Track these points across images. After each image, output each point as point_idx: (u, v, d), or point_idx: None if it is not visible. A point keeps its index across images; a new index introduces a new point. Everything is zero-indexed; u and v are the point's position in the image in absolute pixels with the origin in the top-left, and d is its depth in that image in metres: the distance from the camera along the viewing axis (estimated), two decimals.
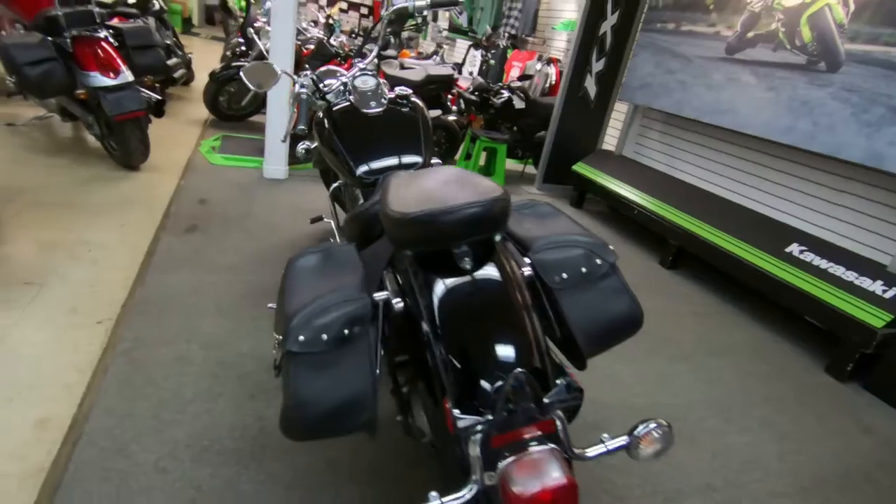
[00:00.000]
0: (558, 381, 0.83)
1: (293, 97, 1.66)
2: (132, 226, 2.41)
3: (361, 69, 1.88)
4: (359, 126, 1.70)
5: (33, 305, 1.75)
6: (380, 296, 0.94)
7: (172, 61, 4.20)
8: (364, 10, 12.72)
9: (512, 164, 4.93)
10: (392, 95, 1.84)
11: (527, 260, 1.02)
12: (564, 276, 0.99)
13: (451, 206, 0.88)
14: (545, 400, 0.79)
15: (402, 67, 4.44)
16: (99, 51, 2.59)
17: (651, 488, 1.49)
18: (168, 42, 4.47)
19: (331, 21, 4.04)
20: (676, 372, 2.10)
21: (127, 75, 2.66)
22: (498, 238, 0.99)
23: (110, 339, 1.67)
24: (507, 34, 6.11)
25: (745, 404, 1.97)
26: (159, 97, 3.01)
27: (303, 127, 1.57)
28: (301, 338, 0.86)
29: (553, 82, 5.21)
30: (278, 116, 3.21)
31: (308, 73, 1.74)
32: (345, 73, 1.92)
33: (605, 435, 0.85)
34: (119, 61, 2.65)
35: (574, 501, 0.74)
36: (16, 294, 1.79)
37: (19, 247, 2.08)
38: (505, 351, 0.82)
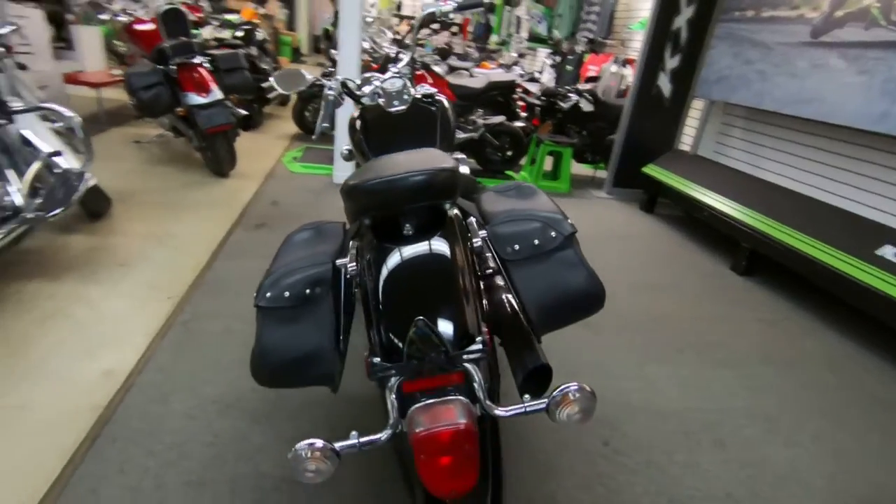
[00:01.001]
0: (477, 339, 0.85)
1: (322, 99, 1.84)
2: (212, 222, 2.78)
3: (393, 72, 2.03)
4: (382, 124, 1.83)
5: (122, 282, 2.11)
6: (341, 262, 1.04)
7: (267, 83, 4.75)
8: (454, 29, 13.20)
9: (583, 170, 4.81)
10: (417, 94, 1.95)
11: (482, 232, 1.05)
12: (517, 247, 1.00)
13: (395, 174, 0.95)
14: (454, 352, 0.82)
15: (471, 77, 4.58)
16: (195, 74, 3.05)
17: (657, 488, 1.40)
18: (265, 66, 5.06)
19: (403, 39, 4.30)
20: (719, 377, 1.93)
21: (217, 94, 3.09)
22: (451, 209, 1.04)
23: (174, 311, 1.96)
24: (584, 39, 6.00)
25: (798, 417, 1.75)
26: (246, 113, 3.44)
27: (326, 125, 1.74)
28: (268, 294, 0.99)
29: (629, 84, 5.01)
30: (344, 127, 3.49)
31: (338, 77, 1.91)
32: (379, 77, 2.08)
33: (527, 396, 0.85)
34: (210, 82, 3.09)
35: (472, 447, 0.77)
36: (111, 273, 2.16)
37: (122, 237, 2.50)
38: (422, 307, 0.87)
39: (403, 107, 1.85)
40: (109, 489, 1.22)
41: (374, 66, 4.06)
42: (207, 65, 3.14)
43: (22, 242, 1.90)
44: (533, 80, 4.65)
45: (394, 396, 0.83)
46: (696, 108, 4.08)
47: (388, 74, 2.00)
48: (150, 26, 3.47)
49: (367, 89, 2.02)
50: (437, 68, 4.01)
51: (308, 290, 0.99)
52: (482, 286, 1.05)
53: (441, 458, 0.75)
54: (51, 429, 1.36)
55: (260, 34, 5.58)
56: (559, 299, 1.00)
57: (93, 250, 2.32)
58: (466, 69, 5.11)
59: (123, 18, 3.61)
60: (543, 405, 0.82)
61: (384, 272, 0.92)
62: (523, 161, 4.53)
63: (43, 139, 2.09)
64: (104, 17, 3.61)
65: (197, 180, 3.40)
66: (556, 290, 1.00)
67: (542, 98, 4.47)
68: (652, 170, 3.88)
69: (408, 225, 0.98)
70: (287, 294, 0.98)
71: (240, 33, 5.57)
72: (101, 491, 1.21)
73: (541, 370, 1.12)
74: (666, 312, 2.40)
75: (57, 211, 1.91)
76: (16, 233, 1.78)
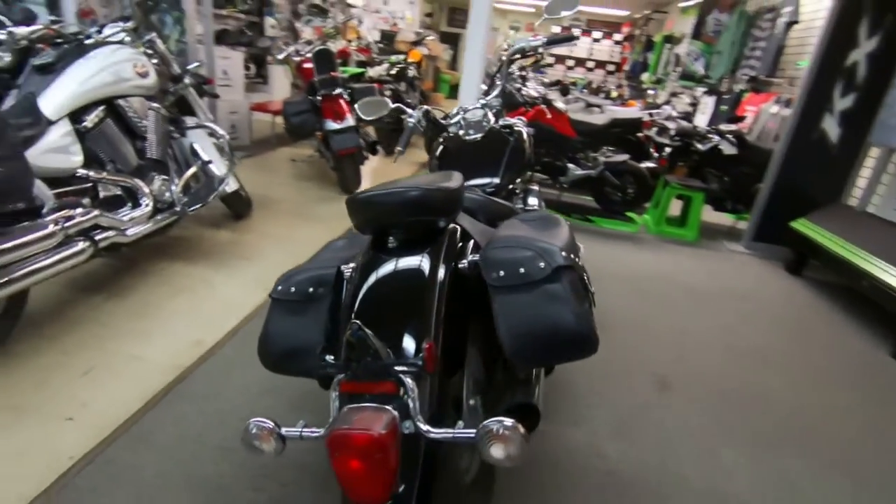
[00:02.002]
0: (418, 355, 0.85)
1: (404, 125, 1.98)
2: (328, 231, 3.14)
3: (482, 104, 2.12)
4: (456, 151, 1.91)
5: (240, 273, 2.50)
6: (345, 266, 1.13)
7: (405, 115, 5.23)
8: (610, 68, 12.94)
9: (722, 219, 4.30)
10: (496, 125, 2.00)
11: (472, 256, 1.05)
12: (501, 273, 0.98)
13: (392, 189, 1.01)
14: (385, 361, 0.83)
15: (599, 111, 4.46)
16: (334, 104, 3.52)
17: None
18: (410, 100, 5.58)
19: (526, 74, 4.39)
20: (829, 488, 1.55)
21: (349, 121, 3.52)
22: (446, 228, 1.06)
23: (264, 302, 2.25)
24: (745, 76, 5.42)
25: None
26: (374, 140, 3.85)
27: (401, 149, 1.88)
28: (279, 287, 1.12)
29: None
30: None
31: (424, 107, 2.05)
32: (467, 107, 2.18)
33: (461, 423, 0.82)
34: (346, 111, 3.53)
35: (386, 459, 0.76)
36: (234, 263, 2.58)
37: (252, 235, 2.97)
38: (376, 314, 0.90)
39: (478, 135, 1.91)
40: (162, 434, 1.46)
41: None
42: (346, 96, 3.60)
43: (171, 230, 2.39)
44: (671, 118, 4.33)
45: (335, 394, 0.88)
46: (870, 157, 3.39)
47: (472, 105, 2.09)
48: (310, 64, 4.12)
49: (454, 119, 2.14)
50: (559, 104, 4.00)
51: (312, 289, 1.09)
52: (461, 307, 1.04)
53: (351, 462, 0.77)
54: (144, 378, 1.68)
55: (411, 72, 6.18)
56: (537, 334, 0.95)
57: (227, 244, 2.80)
58: (598, 106, 4.98)
59: (297, 58, 4.33)
60: (473, 435, 0.79)
61: (363, 279, 0.98)
62: (647, 204, 4.22)
63: (204, 150, 2.62)
64: (280, 56, 4.37)
65: (328, 195, 3.87)
66: (535, 323, 0.95)
67: (676, 138, 4.14)
68: (803, 225, 3.31)
69: (391, 238, 1.03)
70: (293, 290, 1.10)
71: (393, 71, 6.26)
72: (156, 434, 1.45)
73: (526, 408, 1.06)
74: (772, 390, 2.02)
75: (196, 206, 2.36)
76: (167, 221, 2.25)
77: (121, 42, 2.19)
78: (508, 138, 1.92)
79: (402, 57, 7.35)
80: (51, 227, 1.64)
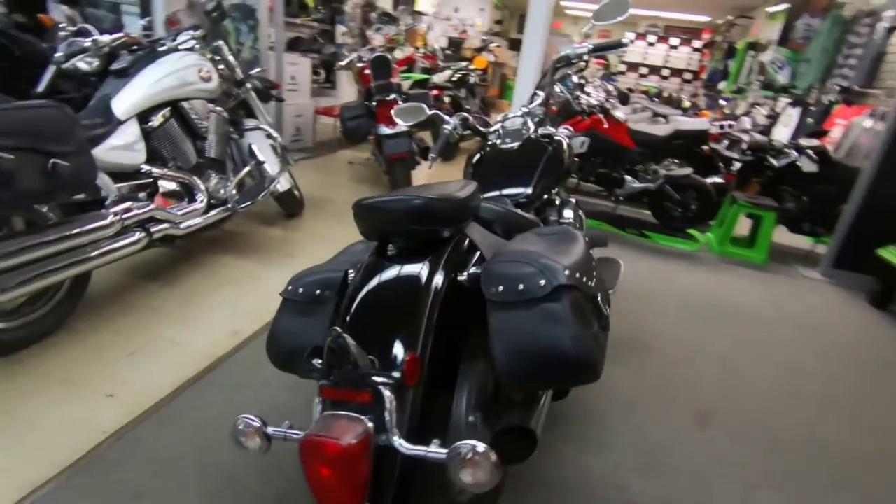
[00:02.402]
0: (397, 366, 0.83)
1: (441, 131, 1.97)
2: None
3: (521, 111, 2.07)
4: (492, 161, 1.88)
5: (284, 269, 2.60)
6: (352, 271, 1.13)
7: None
8: (688, 76, 12.26)
9: (799, 242, 3.92)
10: (535, 133, 1.94)
11: (474, 268, 1.01)
12: (500, 288, 0.94)
13: (396, 196, 1.00)
14: (363, 371, 0.82)
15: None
16: (388, 110, 3.59)
17: None
18: (469, 107, 5.59)
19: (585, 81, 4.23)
20: None
21: (402, 127, 3.55)
22: (451, 238, 1.03)
23: None
24: (837, 87, 4.93)
25: None
26: (427, 145, 3.87)
27: (433, 155, 1.88)
28: (289, 287, 1.15)
29: None
30: None
31: (462, 115, 2.03)
32: (509, 115, 2.14)
33: (436, 440, 0.79)
34: None
35: (354, 470, 0.75)
36: (281, 260, 2.69)
37: (300, 233, 3.08)
38: (363, 322, 0.89)
39: (514, 144, 1.87)
40: (187, 419, 1.53)
41: (553, 108, 4.11)
42: (401, 102, 3.66)
43: (224, 225, 2.54)
44: (745, 130, 4.02)
45: (318, 399, 0.88)
46: None
47: (513, 112, 2.05)
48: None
49: (494, 127, 2.10)
50: (618, 113, 3.84)
51: (319, 291, 1.11)
52: (461, 320, 1.01)
53: (321, 469, 0.76)
54: (181, 364, 1.78)
55: (472, 78, 6.20)
56: (531, 355, 0.90)
57: (276, 241, 2.93)
58: (665, 116, 4.74)
59: (359, 64, 4.48)
60: (443, 456, 0.76)
61: (361, 284, 0.98)
62: (712, 222, 3.94)
63: (261, 150, 2.76)
64: (343, 62, 4.53)
65: None
66: (530, 343, 0.90)
67: (748, 153, 3.84)
68: (892, 253, 2.94)
69: (391, 245, 1.02)
70: (301, 290, 1.12)
71: (455, 77, 6.31)
72: (182, 418, 1.54)
73: (522, 432, 1.02)
74: (834, 439, 1.80)
75: (246, 204, 2.49)
76: (219, 217, 2.38)
77: (190, 49, 2.36)
78: (546, 147, 1.86)
79: (465, 64, 7.40)
80: (110, 218, 1.79)
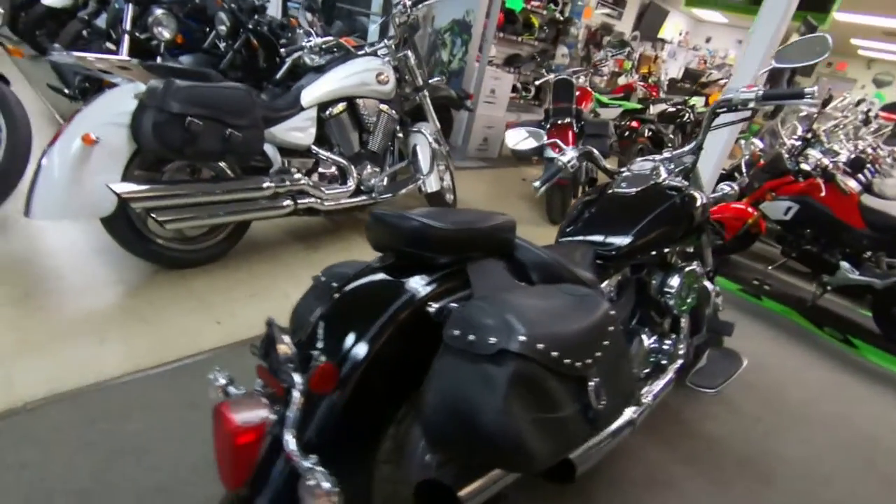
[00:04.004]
0: (308, 370, 0.83)
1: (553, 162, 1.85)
2: None
3: (663, 157, 1.83)
4: (600, 203, 1.71)
5: None
6: None
7: None
8: None
9: None
10: (664, 181, 1.69)
11: (452, 304, 0.95)
12: (456, 332, 0.87)
13: (399, 215, 1.01)
14: (279, 364, 0.85)
15: None
16: (560, 133, 3.50)
17: None
18: (670, 146, 5.06)
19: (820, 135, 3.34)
20: None
21: (569, 153, 3.44)
22: (451, 266, 0.99)
23: None
24: None
25: None
26: (594, 176, 3.66)
27: (536, 184, 1.78)
28: (321, 272, 1.26)
29: None
30: None
31: (587, 148, 1.86)
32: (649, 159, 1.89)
33: (314, 456, 0.78)
34: (569, 142, 3.47)
35: (237, 448, 0.80)
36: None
37: None
38: (328, 322, 0.92)
39: (632, 189, 1.67)
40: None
41: (760, 162, 3.43)
42: (576, 128, 3.53)
43: (367, 209, 2.84)
44: None
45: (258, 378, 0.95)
46: None
47: (655, 158, 1.82)
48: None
49: (630, 167, 1.91)
50: (850, 182, 3.01)
51: (333, 283, 1.19)
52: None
53: (217, 437, 0.83)
54: (281, 312, 2.08)
55: (687, 115, 5.59)
56: (454, 414, 0.81)
57: None
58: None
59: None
60: (303, 476, 0.76)
61: (346, 284, 1.02)
62: None
63: (422, 151, 3.00)
64: (538, 82, 4.57)
65: (532, 218, 3.90)
66: (456, 402, 0.81)
67: None
68: None
69: (386, 258, 1.02)
70: (323, 279, 1.22)
71: (671, 110, 5.79)
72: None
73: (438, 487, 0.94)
74: None
75: (386, 196, 2.74)
76: (362, 203, 2.68)
77: (375, 54, 2.71)
78: (670, 198, 1.60)
79: (694, 99, 6.71)
80: (266, 184, 2.20)
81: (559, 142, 1.87)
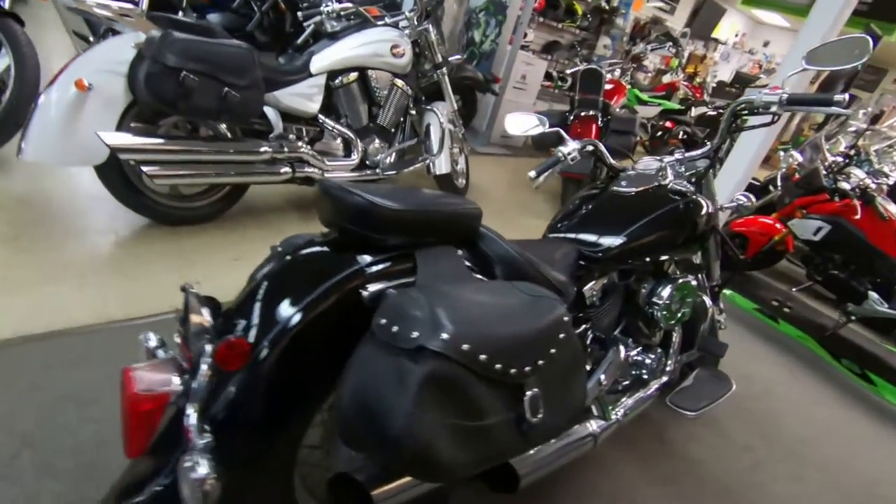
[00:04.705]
0: (214, 345, 0.78)
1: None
2: (509, 233, 3.10)
3: (673, 158, 1.70)
4: (597, 200, 1.60)
5: None
6: None
7: None
8: None
9: None
10: (668, 184, 1.56)
11: (391, 290, 0.87)
12: (383, 321, 0.80)
13: (345, 188, 0.92)
14: (189, 333, 0.80)
15: None
16: (582, 126, 3.34)
17: None
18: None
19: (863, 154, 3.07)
20: None
21: (589, 147, 3.29)
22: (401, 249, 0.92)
23: None
24: None
25: None
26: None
27: (532, 174, 1.67)
28: (278, 242, 1.20)
29: None
30: None
31: (590, 142, 1.74)
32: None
33: (209, 437, 0.73)
34: (591, 136, 3.31)
35: (137, 414, 0.76)
36: None
37: None
38: (254, 292, 0.86)
39: (631, 189, 1.55)
40: None
41: (795, 176, 3.20)
42: (601, 122, 3.37)
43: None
44: None
45: None
46: None
47: (663, 158, 1.69)
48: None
49: (635, 166, 1.79)
50: (890, 206, 2.77)
51: (281, 249, 1.12)
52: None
53: (122, 399, 0.79)
54: None
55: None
56: (363, 408, 0.75)
57: None
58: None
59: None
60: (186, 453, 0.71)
61: (284, 254, 0.95)
62: None
63: (434, 131, 2.91)
64: (569, 71, 4.37)
65: (542, 210, 3.77)
66: (368, 395, 0.75)
67: None
68: None
69: (330, 231, 0.95)
70: (280, 249, 1.14)
71: (711, 113, 5.52)
72: None
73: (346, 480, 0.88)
74: None
75: (390, 173, 2.67)
76: (364, 177, 2.61)
77: (396, 26, 2.61)
78: (671, 201, 1.48)
79: (726, 103, 6.38)
80: (263, 148, 2.15)
81: (562, 132, 1.75)
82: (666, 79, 8.13)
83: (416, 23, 2.71)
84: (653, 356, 1.53)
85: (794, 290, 3.50)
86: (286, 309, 0.83)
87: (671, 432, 1.88)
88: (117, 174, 1.95)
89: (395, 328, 0.77)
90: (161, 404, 0.78)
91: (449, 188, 3.30)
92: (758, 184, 3.89)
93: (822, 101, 1.32)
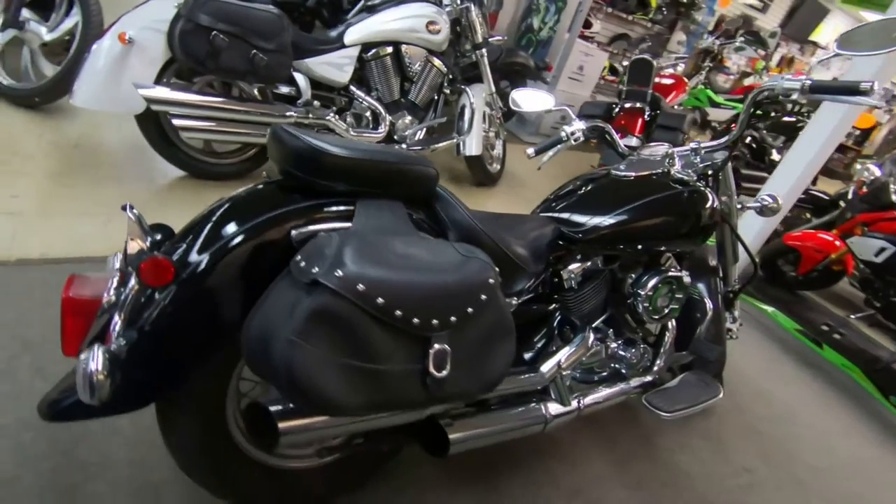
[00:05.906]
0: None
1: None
2: None
3: (691, 148, 1.60)
4: (595, 182, 1.53)
5: None
6: None
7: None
8: None
9: None
10: (672, 173, 1.47)
11: (323, 234, 0.88)
12: (298, 257, 0.82)
13: (295, 133, 0.93)
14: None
15: None
16: (628, 119, 3.18)
17: None
18: (766, 146, 4.44)
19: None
20: None
21: (632, 141, 3.13)
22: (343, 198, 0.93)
23: None
24: None
25: None
26: None
27: (531, 153, 1.63)
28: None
29: None
30: None
31: (598, 122, 1.66)
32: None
33: (123, 342, 0.79)
34: (635, 130, 3.15)
35: (69, 317, 0.83)
36: None
37: (468, 201, 3.15)
38: (204, 219, 0.91)
39: (630, 174, 1.48)
40: None
41: (861, 191, 2.87)
42: (648, 116, 3.19)
43: None
44: None
45: None
46: None
47: (672, 146, 1.59)
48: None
49: (640, 151, 1.70)
50: None
51: None
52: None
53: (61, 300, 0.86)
54: None
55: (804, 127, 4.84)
56: (259, 334, 0.78)
57: None
58: None
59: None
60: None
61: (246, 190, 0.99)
62: None
63: (469, 112, 2.89)
64: (625, 63, 4.17)
65: None
66: (262, 328, 0.78)
67: None
68: None
69: (279, 175, 0.97)
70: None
71: (787, 119, 5.07)
72: None
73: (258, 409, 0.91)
74: None
75: (417, 149, 2.68)
76: None
77: (438, 3, 2.61)
78: (672, 189, 1.40)
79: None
80: (289, 112, 2.24)
81: (567, 108, 1.68)
82: (748, 81, 7.54)
83: (458, 1, 2.70)
84: (634, 351, 1.45)
85: (852, 316, 3.17)
86: (214, 238, 0.87)
87: (660, 438, 1.78)
88: (155, 126, 2.11)
89: (303, 264, 0.79)
90: (91, 309, 0.84)
91: (479, 171, 3.27)
92: (827, 198, 3.54)
93: (846, 89, 1.18)
